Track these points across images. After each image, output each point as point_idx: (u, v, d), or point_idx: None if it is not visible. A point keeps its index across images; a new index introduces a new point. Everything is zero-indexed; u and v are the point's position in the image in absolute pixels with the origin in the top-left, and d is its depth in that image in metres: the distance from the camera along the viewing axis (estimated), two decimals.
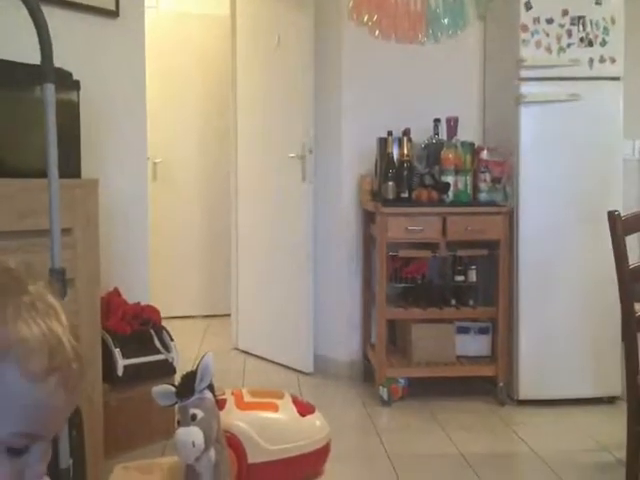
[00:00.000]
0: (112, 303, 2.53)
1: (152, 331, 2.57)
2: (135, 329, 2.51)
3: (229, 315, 4.12)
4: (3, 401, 0.59)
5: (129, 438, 2.48)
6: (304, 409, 1.36)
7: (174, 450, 1.12)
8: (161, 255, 4.55)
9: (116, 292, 2.64)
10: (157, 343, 2.56)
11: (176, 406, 1.16)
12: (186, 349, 3.75)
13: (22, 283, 0.63)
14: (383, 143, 3.15)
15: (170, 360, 2.56)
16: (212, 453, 1.14)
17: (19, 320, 0.59)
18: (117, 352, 2.38)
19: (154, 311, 2.64)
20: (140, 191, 2.90)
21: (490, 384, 3.12)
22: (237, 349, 3.94)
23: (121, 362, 2.38)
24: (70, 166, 2.27)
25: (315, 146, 3.46)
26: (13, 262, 0.67)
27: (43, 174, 1.96)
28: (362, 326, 3.41)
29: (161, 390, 1.17)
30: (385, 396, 2.98)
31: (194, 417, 1.12)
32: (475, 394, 3.12)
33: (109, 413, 2.35)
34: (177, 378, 2.26)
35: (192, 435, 1.10)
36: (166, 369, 2.53)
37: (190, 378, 1.17)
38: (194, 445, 1.10)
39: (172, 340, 2.61)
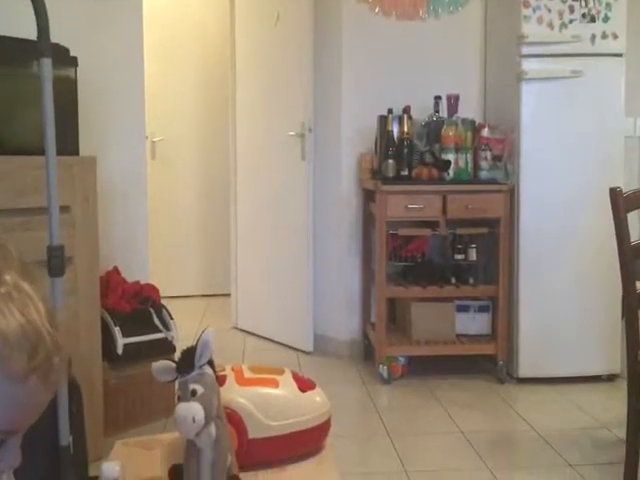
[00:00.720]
0: (111, 282, 2.52)
1: (151, 310, 2.56)
2: (134, 308, 2.51)
3: (228, 295, 4.12)
4: None
5: (129, 416, 2.49)
6: (305, 385, 1.35)
7: (174, 426, 1.11)
8: (160, 234, 4.53)
9: (115, 271, 2.63)
10: (157, 321, 2.56)
11: (176, 382, 1.15)
12: (185, 328, 3.75)
13: None
14: (383, 121, 3.13)
15: (170, 339, 2.56)
16: (212, 429, 1.13)
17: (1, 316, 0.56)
18: (117, 331, 2.38)
19: (153, 290, 2.63)
20: (139, 169, 2.89)
21: (490, 362, 3.12)
22: (237, 328, 3.95)
23: (121, 341, 2.38)
24: (68, 143, 2.25)
25: (315, 124, 3.43)
26: None
27: (41, 151, 1.94)
28: (362, 305, 3.41)
29: (161, 366, 1.16)
30: (385, 374, 2.99)
31: (194, 392, 1.11)
32: (475, 372, 3.14)
33: (109, 391, 2.36)
34: (177, 355, 2.26)
35: (192, 410, 1.09)
36: (166, 347, 2.53)
37: (190, 353, 1.15)
38: (194, 420, 1.09)
39: (172, 318, 2.61)
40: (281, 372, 1.37)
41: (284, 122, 3.54)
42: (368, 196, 3.30)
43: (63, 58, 2.27)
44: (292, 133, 3.46)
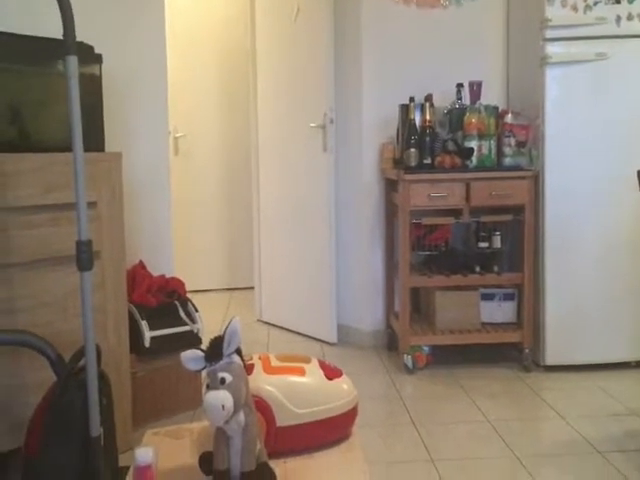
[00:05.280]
0: (138, 276, 2.55)
1: (177, 303, 2.59)
2: (161, 301, 2.54)
3: (252, 288, 4.15)
4: None
5: (157, 408, 2.53)
6: (331, 373, 1.36)
7: (204, 414, 1.13)
8: (184, 229, 4.58)
9: (141, 265, 2.66)
10: (182, 314, 2.58)
11: (205, 370, 1.17)
12: (210, 322, 3.80)
13: None
14: (405, 109, 3.11)
15: (195, 331, 2.59)
16: (241, 416, 1.15)
17: None
18: (144, 324, 2.41)
19: (179, 283, 2.66)
20: (162, 165, 2.91)
21: (516, 351, 3.10)
22: (261, 321, 3.97)
23: (148, 334, 2.41)
24: (94, 140, 2.28)
25: (336, 115, 3.43)
26: None
27: (68, 148, 1.97)
28: (385, 295, 3.41)
29: (190, 355, 1.17)
30: (409, 364, 2.99)
31: (223, 381, 1.13)
32: (501, 361, 3.12)
33: (137, 384, 2.40)
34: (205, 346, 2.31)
35: (221, 398, 1.11)
36: (192, 340, 2.56)
37: (218, 342, 1.17)
38: (223, 408, 1.10)
39: (197, 311, 2.64)
40: (308, 360, 1.38)
41: (305, 114, 3.54)
42: (390, 186, 3.29)
43: (88, 55, 2.30)
44: (314, 124, 3.46)
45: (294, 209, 3.70)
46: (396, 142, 3.26)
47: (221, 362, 1.18)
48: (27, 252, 2.02)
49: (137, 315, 2.43)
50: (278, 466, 1.19)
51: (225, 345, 1.19)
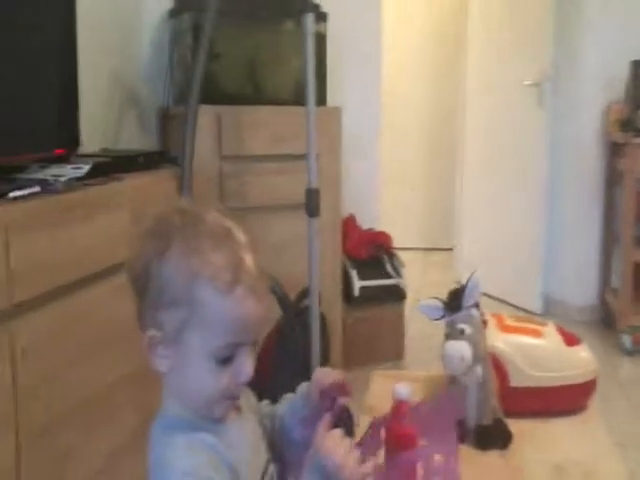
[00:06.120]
0: (349, 228, 2.63)
1: (385, 256, 2.63)
2: (370, 253, 2.60)
3: (448, 249, 4.08)
4: (205, 319, 0.70)
5: (361, 355, 2.61)
6: (570, 339, 1.29)
7: (442, 362, 1.13)
8: (385, 186, 4.61)
9: (352, 218, 2.74)
10: (389, 268, 2.62)
11: (444, 320, 1.17)
12: (408, 280, 3.82)
13: (198, 217, 0.73)
14: (637, 66, 2.80)
15: (400, 285, 2.62)
16: (479, 369, 1.14)
17: (205, 247, 0.70)
18: (354, 273, 2.49)
19: (387, 237, 2.70)
20: (373, 124, 2.95)
21: None
22: (460, 283, 3.90)
23: (357, 283, 2.49)
24: (318, 94, 2.36)
25: (554, 71, 3.17)
26: (184, 202, 0.80)
27: (292, 101, 2.06)
28: (600, 268, 3.15)
29: (428, 303, 1.18)
30: (628, 345, 2.74)
31: (462, 332, 1.13)
32: None
33: (345, 330, 2.50)
34: (405, 304, 2.34)
35: (461, 349, 1.11)
36: (397, 293, 2.60)
37: (458, 294, 1.16)
38: (462, 359, 1.10)
39: (402, 266, 2.66)
40: (544, 324, 1.33)
41: (519, 70, 3.34)
42: (615, 150, 3.01)
43: (316, 14, 2.37)
44: (528, 82, 3.25)
45: (501, 170, 3.54)
46: (625, 102, 2.96)
47: (460, 313, 1.17)
48: (257, 198, 2.17)
49: (348, 265, 2.51)
50: (512, 425, 1.16)
51: (465, 297, 1.18)
